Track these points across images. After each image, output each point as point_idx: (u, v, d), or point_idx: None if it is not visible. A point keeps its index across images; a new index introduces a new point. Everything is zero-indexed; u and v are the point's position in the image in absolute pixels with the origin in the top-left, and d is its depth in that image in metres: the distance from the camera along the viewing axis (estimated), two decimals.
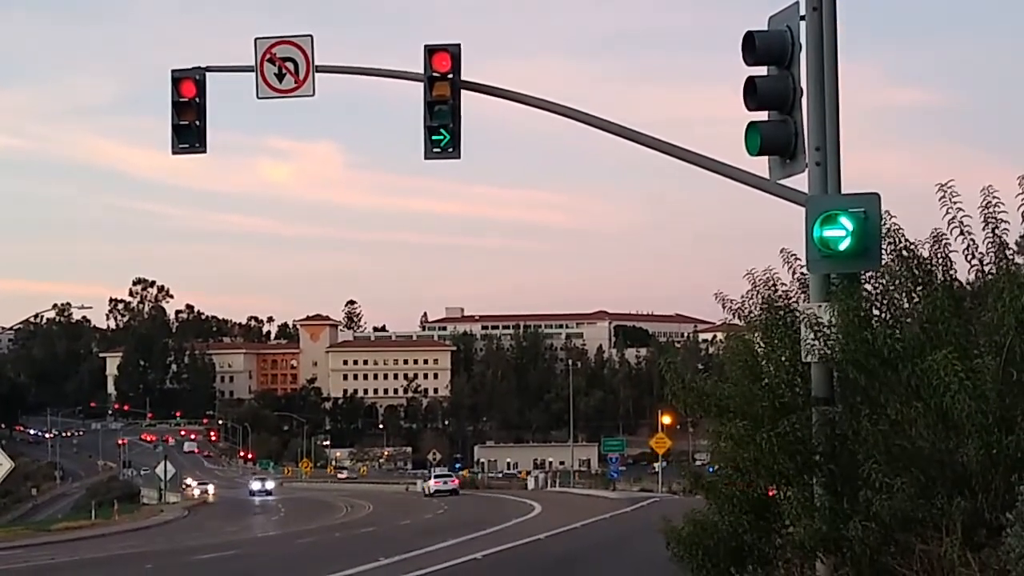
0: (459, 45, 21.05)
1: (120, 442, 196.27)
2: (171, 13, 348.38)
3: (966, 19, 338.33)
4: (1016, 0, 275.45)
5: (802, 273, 15.82)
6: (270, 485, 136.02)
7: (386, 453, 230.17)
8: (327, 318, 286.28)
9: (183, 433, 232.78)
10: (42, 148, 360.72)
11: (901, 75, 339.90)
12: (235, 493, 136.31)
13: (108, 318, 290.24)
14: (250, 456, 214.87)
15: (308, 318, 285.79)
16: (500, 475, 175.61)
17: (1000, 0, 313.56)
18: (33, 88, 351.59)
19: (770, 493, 15.55)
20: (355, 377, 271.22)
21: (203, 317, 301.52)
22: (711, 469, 18.53)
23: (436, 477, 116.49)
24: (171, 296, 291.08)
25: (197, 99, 22.19)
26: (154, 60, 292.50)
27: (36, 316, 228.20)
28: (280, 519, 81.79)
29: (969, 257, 14.27)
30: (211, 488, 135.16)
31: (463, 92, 20.98)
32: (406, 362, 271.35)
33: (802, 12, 16.19)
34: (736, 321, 16.53)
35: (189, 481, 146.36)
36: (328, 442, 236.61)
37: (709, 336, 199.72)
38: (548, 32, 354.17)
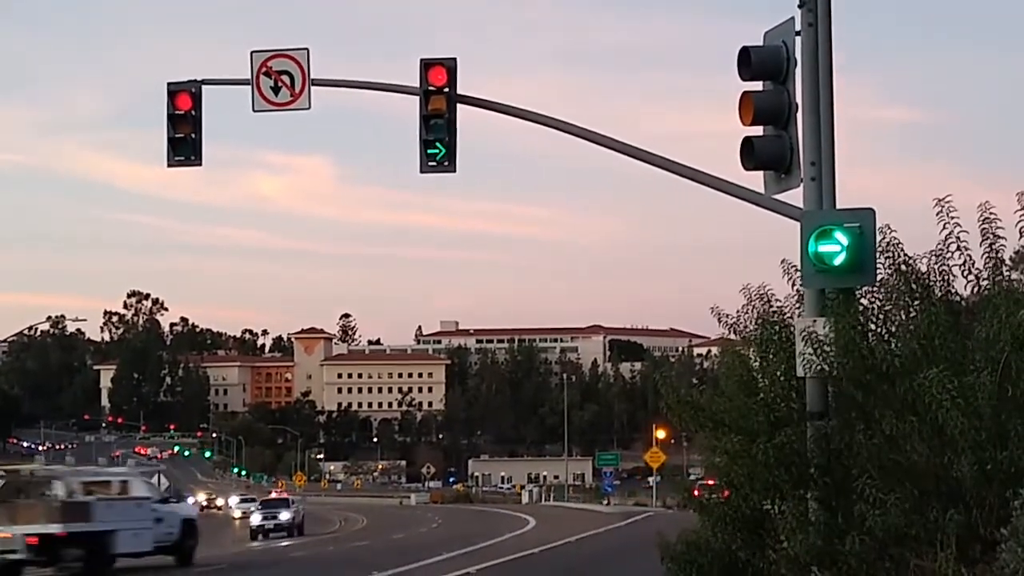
0: (455, 59, 21.11)
1: (114, 455, 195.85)
2: (167, 28, 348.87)
3: (961, 35, 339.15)
4: (1010, 18, 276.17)
5: (801, 285, 15.84)
6: (285, 516, 69.98)
7: (380, 467, 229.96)
8: (322, 331, 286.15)
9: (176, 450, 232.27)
10: (37, 161, 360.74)
11: (896, 90, 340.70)
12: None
13: (102, 331, 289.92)
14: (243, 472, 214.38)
15: (303, 331, 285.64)
16: (508, 489, 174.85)
17: (995, 18, 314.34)
18: (29, 102, 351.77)
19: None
20: (349, 390, 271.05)
21: (197, 330, 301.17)
22: None
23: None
24: (165, 309, 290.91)
25: (193, 112, 22.23)
26: (150, 73, 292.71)
27: (30, 328, 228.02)
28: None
29: (966, 272, 14.30)
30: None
31: (459, 106, 21.02)
32: (400, 375, 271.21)
33: (797, 28, 16.24)
34: (731, 336, 16.55)
35: (232, 501, 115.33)
36: (322, 455, 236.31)
37: (704, 351, 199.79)
38: (543, 47, 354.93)
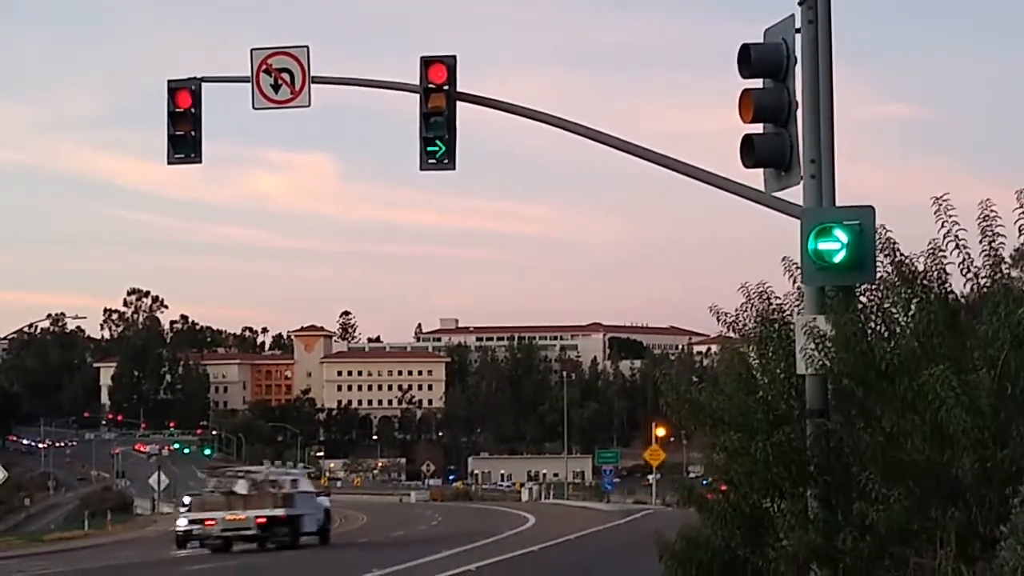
0: (455, 57, 21.11)
1: (114, 452, 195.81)
2: (166, 26, 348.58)
3: (962, 31, 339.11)
4: (1010, 13, 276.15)
5: (801, 282, 15.84)
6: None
7: (380, 464, 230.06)
8: (321, 329, 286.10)
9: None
10: (36, 159, 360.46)
11: (897, 87, 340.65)
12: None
13: (102, 328, 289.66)
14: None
15: (302, 329, 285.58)
16: (508, 487, 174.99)
17: (995, 14, 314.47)
18: (28, 100, 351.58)
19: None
20: (349, 388, 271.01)
21: (197, 327, 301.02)
22: (705, 482, 18.53)
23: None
24: (165, 307, 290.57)
25: (193, 110, 22.22)
26: (150, 71, 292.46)
27: (30, 326, 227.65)
28: None
29: (964, 270, 14.30)
30: None
31: (459, 103, 21.03)
32: (400, 373, 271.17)
33: (797, 25, 16.23)
34: (731, 334, 16.54)
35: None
36: (322, 453, 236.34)
37: (703, 348, 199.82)
38: (543, 45, 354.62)
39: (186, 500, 60.73)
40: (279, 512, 47.56)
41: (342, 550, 47.85)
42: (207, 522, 48.48)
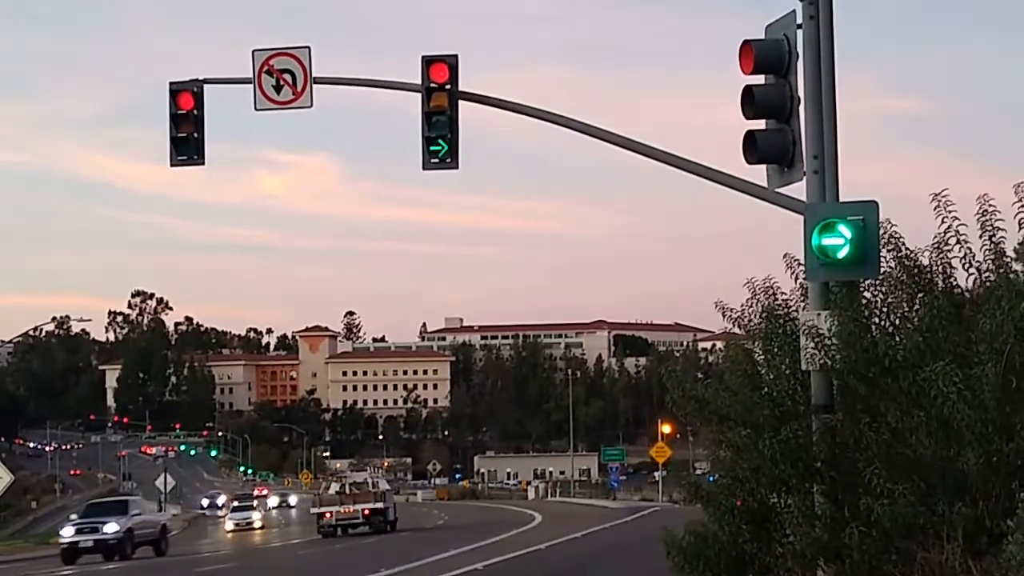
0: (456, 56, 21.13)
1: (120, 455, 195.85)
2: (168, 26, 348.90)
3: (962, 27, 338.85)
4: (1012, 7, 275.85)
5: (804, 279, 15.82)
6: (111, 529, 50.09)
7: (386, 464, 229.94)
8: (326, 329, 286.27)
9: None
10: (39, 161, 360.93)
11: (898, 83, 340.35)
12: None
13: (107, 331, 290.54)
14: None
15: (307, 329, 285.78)
16: (514, 485, 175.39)
17: (997, 8, 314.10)
18: (30, 100, 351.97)
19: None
20: (354, 388, 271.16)
21: (202, 329, 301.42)
22: (711, 478, 18.49)
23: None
24: (170, 308, 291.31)
25: (195, 111, 22.24)
26: (151, 73, 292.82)
27: (35, 329, 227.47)
28: (280, 530, 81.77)
29: (967, 265, 14.29)
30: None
31: (461, 102, 21.03)
32: (405, 372, 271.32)
33: (799, 21, 16.22)
34: (736, 330, 16.51)
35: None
36: (328, 453, 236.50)
37: (708, 345, 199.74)
38: (544, 42, 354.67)
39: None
40: (379, 505, 61.13)
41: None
42: (326, 515, 61.03)
